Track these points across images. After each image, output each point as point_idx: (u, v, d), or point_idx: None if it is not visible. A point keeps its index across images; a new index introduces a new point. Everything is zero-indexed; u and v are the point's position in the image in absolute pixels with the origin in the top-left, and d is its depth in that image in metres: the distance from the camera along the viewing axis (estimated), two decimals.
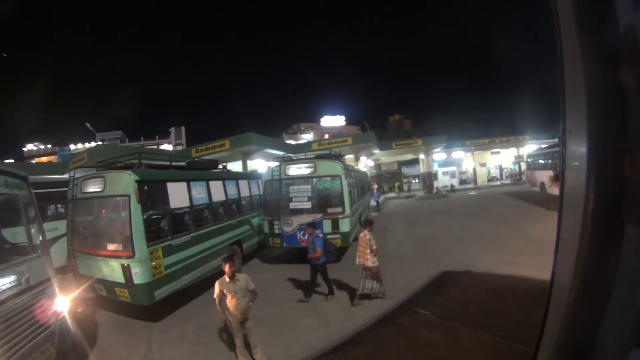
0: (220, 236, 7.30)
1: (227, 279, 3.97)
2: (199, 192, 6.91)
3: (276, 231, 8.01)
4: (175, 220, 6.16)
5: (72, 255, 6.07)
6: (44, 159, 46.74)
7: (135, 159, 6.17)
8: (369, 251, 5.37)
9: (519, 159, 29.22)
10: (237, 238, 8.05)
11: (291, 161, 8.71)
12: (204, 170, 8.07)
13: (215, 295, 4.02)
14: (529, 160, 18.42)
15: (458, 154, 32.42)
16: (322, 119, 46.50)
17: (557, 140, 22.26)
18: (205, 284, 6.24)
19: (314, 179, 7.92)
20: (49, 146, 51.53)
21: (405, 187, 30.87)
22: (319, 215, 7.66)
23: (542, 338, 1.15)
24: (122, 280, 5.12)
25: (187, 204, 6.54)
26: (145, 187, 5.64)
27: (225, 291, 3.96)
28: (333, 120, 46.65)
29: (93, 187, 5.83)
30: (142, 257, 5.11)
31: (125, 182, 5.41)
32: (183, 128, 49.25)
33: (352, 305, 5.49)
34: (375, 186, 19.43)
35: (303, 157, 9.59)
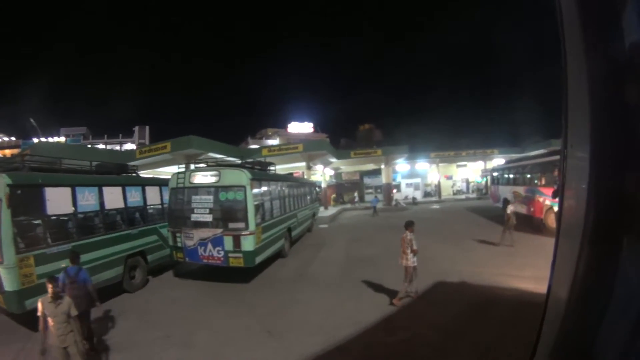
0: (114, 246, 6.90)
1: (50, 300, 3.74)
2: (87, 199, 6.51)
3: (179, 244, 7.46)
4: (53, 227, 5.90)
5: None
6: (7, 151, 44.52)
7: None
8: (409, 251, 5.64)
9: (485, 172, 28.83)
10: (139, 249, 7.58)
11: (197, 168, 8.19)
12: (109, 175, 7.67)
13: (39, 313, 3.74)
14: (493, 174, 18.02)
15: (423, 165, 32.42)
16: (289, 125, 45.95)
17: (524, 154, 22.72)
18: (99, 295, 5.34)
19: (218, 189, 7.28)
20: (13, 139, 49.20)
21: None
22: (219, 231, 7.09)
23: (535, 353, 1.14)
24: None
25: (70, 210, 6.20)
26: (19, 192, 5.46)
27: (46, 312, 3.72)
28: (301, 127, 46.09)
29: None
30: (10, 264, 5.00)
31: None
32: (147, 127, 47.79)
33: (399, 301, 5.68)
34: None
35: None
